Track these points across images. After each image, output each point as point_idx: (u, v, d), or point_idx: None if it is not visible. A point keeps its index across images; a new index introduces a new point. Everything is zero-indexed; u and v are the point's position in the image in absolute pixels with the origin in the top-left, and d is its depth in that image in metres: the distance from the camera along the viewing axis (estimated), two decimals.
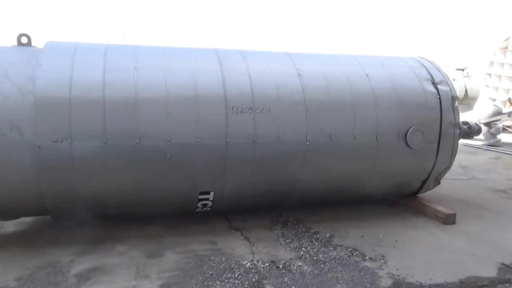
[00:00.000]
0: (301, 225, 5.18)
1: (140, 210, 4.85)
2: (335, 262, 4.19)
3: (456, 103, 5.49)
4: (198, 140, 4.38)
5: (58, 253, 4.24)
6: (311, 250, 4.48)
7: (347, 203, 5.78)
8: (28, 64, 4.17)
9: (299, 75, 4.96)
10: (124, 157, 4.22)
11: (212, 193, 4.75)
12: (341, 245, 4.62)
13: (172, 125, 4.32)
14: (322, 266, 4.10)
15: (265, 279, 3.84)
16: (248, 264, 4.13)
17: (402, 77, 5.44)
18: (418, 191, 5.86)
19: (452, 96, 5.45)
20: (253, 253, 4.39)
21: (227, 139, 4.47)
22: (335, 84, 5.05)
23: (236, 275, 3.88)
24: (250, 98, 4.60)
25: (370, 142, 5.02)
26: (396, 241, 4.76)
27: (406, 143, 5.16)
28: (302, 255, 4.36)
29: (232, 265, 4.08)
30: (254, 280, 3.82)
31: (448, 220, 5.28)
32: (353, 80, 5.14)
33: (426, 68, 5.67)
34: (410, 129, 5.15)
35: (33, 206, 4.33)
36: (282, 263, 4.17)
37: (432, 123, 5.31)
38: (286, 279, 3.83)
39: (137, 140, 4.20)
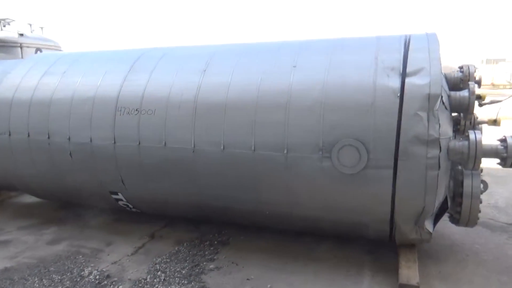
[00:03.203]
0: (214, 252, 4.37)
1: (64, 198, 5.41)
2: None
3: (438, 106, 3.27)
4: (91, 140, 4.46)
5: None
6: (171, 277, 3.82)
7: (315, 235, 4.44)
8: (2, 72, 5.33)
9: (204, 70, 4.19)
10: (41, 150, 4.80)
11: (120, 194, 4.71)
12: None
13: (72, 124, 4.57)
14: None
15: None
16: (88, 269, 3.98)
17: (347, 67, 3.69)
18: (391, 237, 3.84)
19: (429, 95, 3.29)
20: (107, 262, 4.18)
21: (114, 141, 4.34)
22: (240, 79, 3.98)
23: (58, 278, 3.84)
24: (139, 99, 4.27)
25: (274, 157, 3.71)
26: None
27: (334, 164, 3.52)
28: (150, 278, 3.79)
29: (71, 268, 4.04)
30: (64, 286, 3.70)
31: None
32: (269, 74, 3.89)
33: (405, 52, 3.61)
34: (337, 144, 3.48)
35: None
36: (113, 280, 3.78)
37: (382, 135, 3.39)
38: None
39: (48, 137, 4.69)
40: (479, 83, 4.01)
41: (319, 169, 3.58)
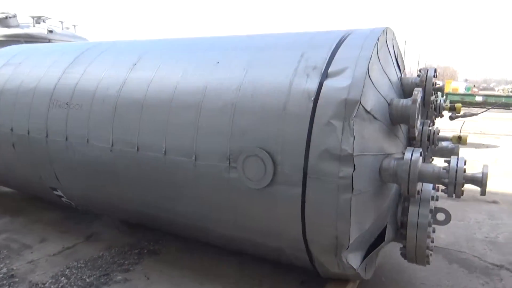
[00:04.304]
0: (136, 261, 4.03)
1: (22, 190, 5.33)
2: None
3: (355, 114, 2.65)
4: (28, 133, 4.35)
5: None
6: (71, 285, 3.55)
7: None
8: None
9: (134, 64, 3.88)
10: None
11: (59, 191, 4.54)
12: None
13: (15, 116, 4.49)
14: None
15: None
16: (0, 266, 3.82)
17: (269, 65, 3.17)
18: (317, 270, 3.24)
19: (346, 100, 2.68)
20: (24, 260, 3.98)
21: (47, 135, 4.18)
22: (162, 75, 3.60)
23: None
24: (71, 92, 4.07)
25: (184, 164, 3.29)
26: None
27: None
28: (50, 283, 3.55)
29: None
30: None
31: None
32: (190, 70, 3.49)
33: (335, 48, 3.02)
34: (242, 153, 2.99)
35: None
36: (14, 280, 3.58)
37: (291, 146, 2.83)
38: None
39: None
40: (441, 90, 3.30)
41: (226, 181, 3.11)
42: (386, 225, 3.17)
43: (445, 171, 2.76)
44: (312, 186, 2.77)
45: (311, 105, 2.78)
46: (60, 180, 4.34)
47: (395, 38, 3.68)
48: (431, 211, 3.07)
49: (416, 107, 2.87)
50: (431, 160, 4.11)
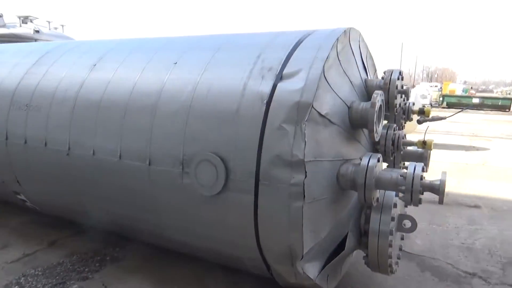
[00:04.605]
0: (97, 269, 3.89)
1: None
2: None
3: (308, 117, 2.53)
4: None
5: None
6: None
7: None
8: None
9: (94, 65, 3.76)
10: None
11: (22, 195, 4.41)
12: None
13: None
14: None
15: None
16: None
17: (226, 65, 3.05)
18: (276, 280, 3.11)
19: (299, 103, 2.56)
20: None
21: (6, 138, 4.05)
22: (120, 76, 3.48)
23: None
24: (31, 94, 3.94)
25: (139, 169, 3.17)
26: None
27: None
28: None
29: None
30: None
31: None
32: (148, 71, 3.37)
33: (292, 49, 2.89)
34: (195, 158, 2.86)
35: None
36: None
37: (243, 151, 2.71)
38: None
39: None
40: (406, 93, 3.17)
41: (180, 187, 2.98)
42: (347, 233, 3.06)
43: (402, 178, 2.63)
44: (264, 193, 2.64)
45: (264, 108, 2.66)
46: (22, 184, 4.20)
47: (362, 39, 3.56)
48: (393, 218, 2.94)
49: (375, 110, 2.75)
50: (401, 165, 3.99)
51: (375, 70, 4.02)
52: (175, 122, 2.99)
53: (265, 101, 2.67)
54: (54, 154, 3.67)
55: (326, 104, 2.67)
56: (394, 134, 3.34)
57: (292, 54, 2.84)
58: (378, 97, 2.79)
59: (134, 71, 3.43)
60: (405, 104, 3.61)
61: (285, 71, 2.73)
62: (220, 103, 2.85)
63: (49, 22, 12.56)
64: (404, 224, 3.27)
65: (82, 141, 3.48)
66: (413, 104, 3.67)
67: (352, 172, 2.74)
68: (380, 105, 2.90)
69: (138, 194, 3.27)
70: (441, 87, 49.95)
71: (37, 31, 11.63)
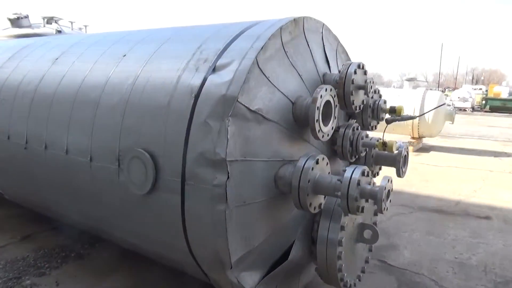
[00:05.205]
0: (57, 265, 3.84)
1: None
2: None
3: (232, 112, 2.28)
4: None
5: None
6: None
7: None
8: None
9: (56, 59, 3.71)
10: None
11: None
12: None
13: None
14: None
15: None
16: None
17: (167, 57, 2.87)
18: None
19: (225, 97, 2.33)
20: None
21: None
22: (75, 69, 3.40)
23: None
24: (0, 86, 3.96)
25: (82, 165, 3.06)
26: None
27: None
28: None
29: None
30: None
31: None
32: (99, 64, 3.26)
33: (232, 39, 2.67)
34: (127, 155, 2.71)
35: None
36: None
37: (172, 148, 2.52)
38: None
39: None
40: (364, 88, 2.86)
41: (117, 184, 2.84)
42: (294, 241, 2.79)
43: (339, 182, 2.34)
44: (190, 195, 2.44)
45: (192, 102, 2.46)
46: None
47: (328, 31, 3.27)
48: (342, 227, 2.65)
49: (316, 107, 2.47)
50: (378, 169, 3.64)
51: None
52: (114, 117, 2.85)
53: (193, 95, 2.47)
54: (14, 147, 3.66)
55: (260, 98, 2.43)
56: (353, 134, 3.02)
57: (230, 45, 2.62)
58: (322, 91, 2.50)
59: (87, 64, 3.34)
60: (375, 102, 3.27)
61: (218, 63, 2.52)
62: (154, 96, 2.68)
63: (71, 23, 12.93)
64: (365, 234, 2.96)
65: (38, 135, 3.44)
66: (385, 102, 3.32)
67: (289, 175, 2.48)
68: (328, 101, 2.62)
69: (83, 190, 3.17)
70: (486, 90, 47.29)
71: (59, 31, 11.99)
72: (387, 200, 2.40)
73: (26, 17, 12.33)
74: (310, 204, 2.44)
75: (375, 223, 3.28)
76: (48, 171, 3.40)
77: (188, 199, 2.45)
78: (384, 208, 2.35)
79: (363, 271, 3.16)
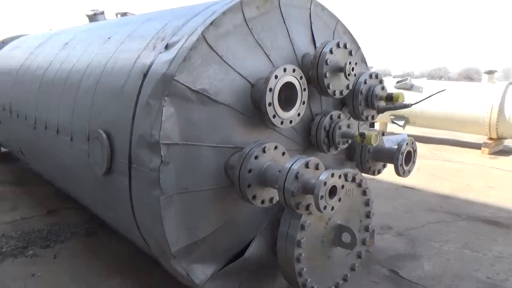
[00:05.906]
0: (63, 240, 4.05)
1: None
2: None
3: (168, 92, 2.10)
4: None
5: None
6: None
7: None
8: None
9: (66, 43, 3.88)
10: None
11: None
12: None
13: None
14: None
15: None
16: None
17: (135, 38, 2.80)
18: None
19: (165, 75, 2.16)
20: None
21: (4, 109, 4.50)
22: (74, 54, 3.51)
23: None
24: (24, 70, 4.28)
25: (66, 144, 3.15)
26: None
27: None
28: None
29: None
30: None
31: None
32: (88, 47, 3.32)
33: (194, 17, 2.47)
34: (91, 135, 2.71)
35: None
36: None
37: (123, 129, 2.43)
38: None
39: None
40: (342, 71, 2.48)
41: (87, 164, 2.86)
42: (255, 237, 2.55)
43: (280, 173, 2.04)
44: (134, 178, 2.35)
45: (140, 81, 2.35)
46: (21, 146, 4.64)
47: (317, 5, 2.90)
48: (302, 226, 2.34)
49: (268, 88, 2.19)
50: (380, 167, 3.17)
51: (358, 47, 3.29)
52: (86, 98, 2.88)
53: (142, 73, 2.36)
54: (29, 128, 3.93)
55: (207, 78, 2.23)
56: (331, 123, 2.64)
57: (188, 22, 2.45)
58: (278, 71, 2.22)
59: (82, 49, 3.43)
60: (369, 88, 2.81)
61: (170, 41, 2.37)
62: (117, 77, 2.64)
63: (116, 15, 13.72)
64: (343, 238, 2.61)
65: (42, 117, 3.66)
66: (383, 88, 2.84)
67: (232, 161, 2.25)
68: (291, 83, 2.31)
69: (67, 169, 3.28)
70: None
71: None
72: (334, 197, 2.02)
73: (102, 13, 13.39)
74: (254, 197, 2.19)
75: (366, 227, 2.89)
76: (47, 148, 3.59)
77: (134, 182, 2.37)
78: (326, 207, 1.98)
79: (345, 279, 2.79)
